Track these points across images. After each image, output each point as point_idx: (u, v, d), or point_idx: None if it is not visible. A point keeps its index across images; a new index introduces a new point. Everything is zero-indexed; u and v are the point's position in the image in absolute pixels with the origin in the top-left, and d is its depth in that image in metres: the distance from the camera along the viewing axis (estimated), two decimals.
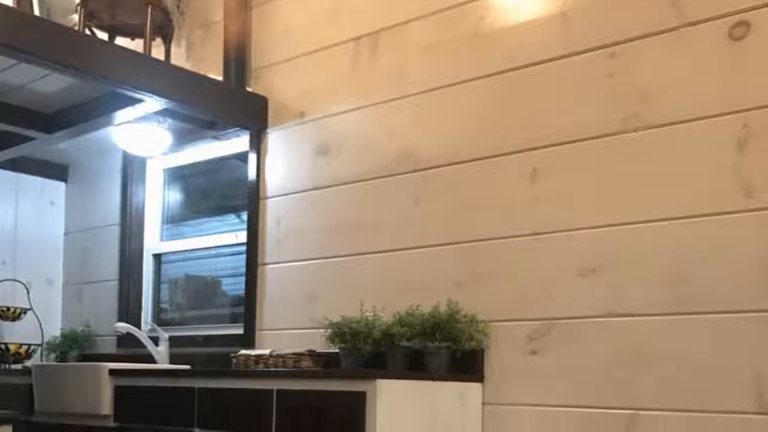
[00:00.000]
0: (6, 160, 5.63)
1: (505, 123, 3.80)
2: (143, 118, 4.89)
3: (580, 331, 3.47)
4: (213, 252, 5.36)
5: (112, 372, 4.28)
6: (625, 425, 3.30)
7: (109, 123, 4.97)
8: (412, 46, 4.15)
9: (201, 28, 5.21)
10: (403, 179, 4.13)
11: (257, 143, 4.83)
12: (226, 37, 4.87)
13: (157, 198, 5.76)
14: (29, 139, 5.26)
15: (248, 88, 4.86)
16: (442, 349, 3.62)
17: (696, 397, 3.14)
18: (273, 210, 4.71)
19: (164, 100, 4.42)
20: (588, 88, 3.56)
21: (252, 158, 4.84)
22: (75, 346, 5.64)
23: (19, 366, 5.24)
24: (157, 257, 5.72)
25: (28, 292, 5.72)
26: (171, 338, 5.06)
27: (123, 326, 5.12)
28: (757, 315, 3.05)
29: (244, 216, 4.97)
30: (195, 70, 4.78)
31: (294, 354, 4.04)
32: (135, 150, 5.43)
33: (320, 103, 4.54)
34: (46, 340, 5.69)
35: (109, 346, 5.61)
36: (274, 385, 3.54)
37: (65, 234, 6.14)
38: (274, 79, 4.81)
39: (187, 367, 4.58)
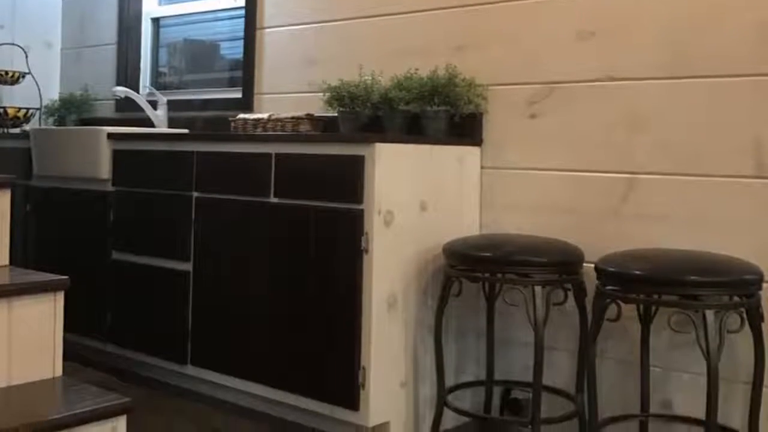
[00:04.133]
0: None
1: None
2: None
3: (578, 94, 3.43)
4: (211, 15, 5.26)
5: (111, 136, 4.28)
6: (624, 189, 3.31)
7: None
8: None
9: None
10: None
11: None
12: None
13: None
14: None
15: None
16: (441, 113, 3.60)
17: (694, 161, 3.13)
18: None
19: None
20: None
21: None
22: (73, 110, 5.63)
23: (17, 130, 5.24)
24: (156, 21, 5.61)
25: (27, 56, 5.66)
26: (169, 102, 5.04)
27: (121, 90, 5.09)
28: (754, 79, 3.00)
29: None
30: None
31: (292, 118, 4.04)
32: None
33: None
34: (44, 104, 5.67)
35: (108, 110, 5.60)
36: (273, 149, 3.55)
37: None
38: None
39: (186, 131, 4.58)
